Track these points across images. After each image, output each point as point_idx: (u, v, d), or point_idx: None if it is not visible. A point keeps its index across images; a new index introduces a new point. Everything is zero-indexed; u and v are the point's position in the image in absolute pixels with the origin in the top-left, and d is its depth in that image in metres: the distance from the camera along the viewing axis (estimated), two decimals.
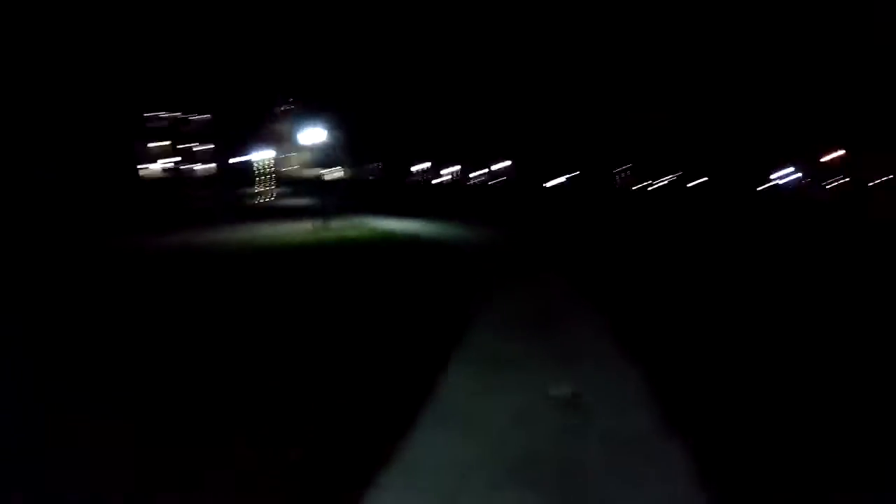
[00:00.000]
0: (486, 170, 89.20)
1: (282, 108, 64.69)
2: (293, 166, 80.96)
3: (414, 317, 7.92)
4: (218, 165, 44.93)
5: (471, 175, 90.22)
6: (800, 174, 75.92)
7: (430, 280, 10.81)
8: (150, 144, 71.69)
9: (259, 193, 50.03)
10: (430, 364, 5.82)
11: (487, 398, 5.03)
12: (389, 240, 18.87)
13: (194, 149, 78.77)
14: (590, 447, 4.16)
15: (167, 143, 74.53)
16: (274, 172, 62.68)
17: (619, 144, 69.63)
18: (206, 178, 64.16)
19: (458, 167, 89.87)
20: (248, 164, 56.49)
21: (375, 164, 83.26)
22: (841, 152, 68.80)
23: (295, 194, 52.40)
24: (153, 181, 65.26)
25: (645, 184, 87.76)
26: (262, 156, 52.59)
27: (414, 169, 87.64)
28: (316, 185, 51.69)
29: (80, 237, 20.46)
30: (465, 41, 57.07)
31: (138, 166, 68.71)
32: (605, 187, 73.01)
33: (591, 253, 14.94)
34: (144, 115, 71.06)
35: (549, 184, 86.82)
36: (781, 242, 17.69)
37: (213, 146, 64.40)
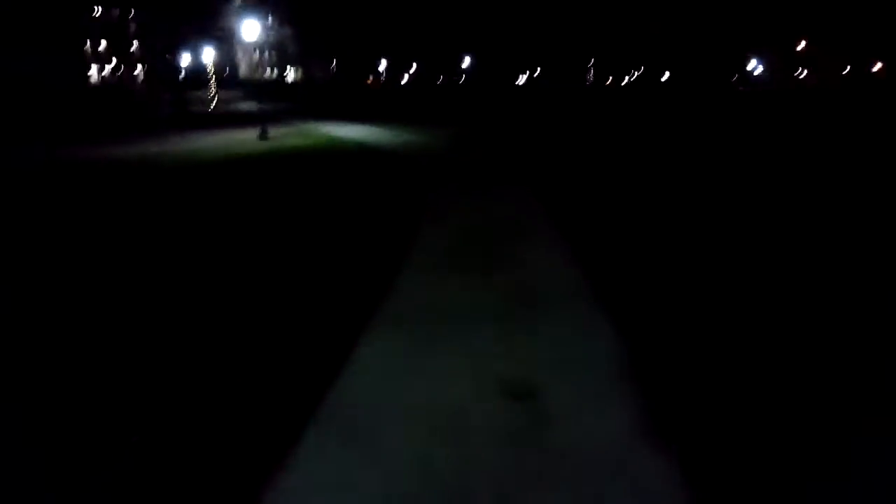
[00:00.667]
0: (451, 68, 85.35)
1: (228, 2, 59.64)
2: (242, 68, 76.03)
3: (340, 254, 6.93)
4: (159, 68, 41.25)
5: (439, 74, 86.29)
6: (764, 68, 74.57)
7: (371, 200, 9.81)
8: (88, 46, 66.18)
9: (209, 98, 46.77)
10: (335, 328, 4.29)
11: (408, 383, 3.46)
12: (341, 149, 17.71)
13: (134, 50, 72.92)
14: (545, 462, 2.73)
15: (104, 42, 68.75)
16: (222, 75, 58.76)
17: (588, 35, 66.49)
18: (147, 83, 59.77)
19: (414, 68, 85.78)
20: (194, 66, 52.58)
21: (331, 65, 78.64)
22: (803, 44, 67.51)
23: (243, 98, 49.46)
24: (93, 87, 60.79)
25: (612, 80, 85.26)
26: (208, 57, 48.69)
27: (373, 68, 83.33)
28: (266, 89, 48.73)
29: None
30: None
31: (86, 69, 63.51)
32: (575, 85, 70.56)
33: (568, 164, 13.33)
34: (89, 12, 64.28)
35: (519, 81, 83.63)
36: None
37: (154, 47, 59.67)
